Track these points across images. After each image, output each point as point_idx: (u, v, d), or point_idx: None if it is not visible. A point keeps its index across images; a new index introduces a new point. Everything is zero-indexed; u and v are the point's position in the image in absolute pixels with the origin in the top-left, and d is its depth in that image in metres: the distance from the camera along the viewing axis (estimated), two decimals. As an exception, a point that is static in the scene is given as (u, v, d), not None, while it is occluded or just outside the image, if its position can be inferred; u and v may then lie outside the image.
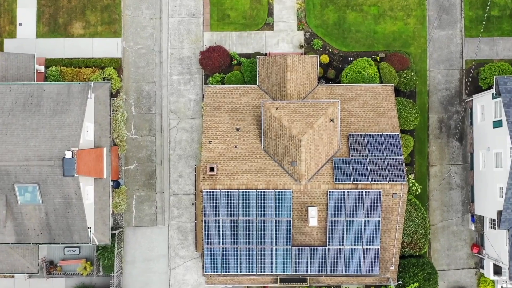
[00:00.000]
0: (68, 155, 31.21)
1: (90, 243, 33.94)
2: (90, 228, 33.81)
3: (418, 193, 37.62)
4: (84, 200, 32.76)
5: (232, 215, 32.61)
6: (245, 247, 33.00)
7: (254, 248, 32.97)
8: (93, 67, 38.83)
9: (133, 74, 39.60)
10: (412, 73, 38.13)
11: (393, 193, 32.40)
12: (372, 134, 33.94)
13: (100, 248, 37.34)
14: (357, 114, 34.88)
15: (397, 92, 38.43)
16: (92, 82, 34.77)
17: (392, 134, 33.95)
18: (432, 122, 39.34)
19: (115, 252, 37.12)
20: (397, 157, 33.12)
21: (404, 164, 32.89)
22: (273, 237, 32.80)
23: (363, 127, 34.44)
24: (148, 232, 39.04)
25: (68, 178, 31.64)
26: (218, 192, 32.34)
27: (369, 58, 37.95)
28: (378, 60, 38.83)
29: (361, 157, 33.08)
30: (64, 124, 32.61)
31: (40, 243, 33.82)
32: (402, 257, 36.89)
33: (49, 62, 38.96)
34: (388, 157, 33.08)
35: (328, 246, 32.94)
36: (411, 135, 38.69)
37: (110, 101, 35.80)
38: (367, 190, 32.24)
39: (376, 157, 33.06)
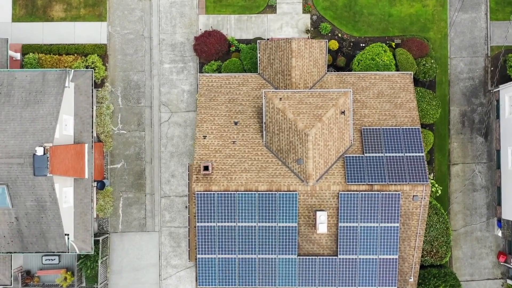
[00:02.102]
0: (39, 151, 28.38)
1: (68, 251, 31.59)
2: (68, 235, 31.33)
3: (438, 195, 35.26)
4: (60, 204, 30.32)
5: (229, 220, 30.68)
6: (244, 257, 31.11)
7: (255, 258, 31.09)
8: (75, 54, 36.62)
9: (120, 62, 37.44)
10: (432, 61, 35.50)
11: (413, 196, 30.21)
12: (389, 128, 31.95)
13: (82, 256, 35.15)
14: (371, 106, 32.88)
15: (415, 82, 36.27)
16: (72, 70, 32.66)
17: (412, 128, 31.82)
18: (454, 116, 37.03)
19: (99, 261, 34.97)
20: (417, 154, 31.04)
21: (425, 162, 30.76)
22: (276, 246, 30.99)
23: (379, 120, 32.43)
24: (137, 239, 37.05)
25: (40, 178, 28.94)
26: (213, 194, 30.36)
27: (384, 44, 35.72)
28: (394, 46, 36.54)
29: (377, 154, 31.10)
30: (37, 116, 29.99)
31: (11, 252, 31.34)
32: (421, 267, 34.71)
33: (26, 49, 36.65)
34: (407, 154, 31.01)
35: (339, 256, 31.10)
36: (430, 129, 36.32)
37: (92, 92, 33.67)
38: (383, 192, 30.22)
39: (394, 154, 31.04)
